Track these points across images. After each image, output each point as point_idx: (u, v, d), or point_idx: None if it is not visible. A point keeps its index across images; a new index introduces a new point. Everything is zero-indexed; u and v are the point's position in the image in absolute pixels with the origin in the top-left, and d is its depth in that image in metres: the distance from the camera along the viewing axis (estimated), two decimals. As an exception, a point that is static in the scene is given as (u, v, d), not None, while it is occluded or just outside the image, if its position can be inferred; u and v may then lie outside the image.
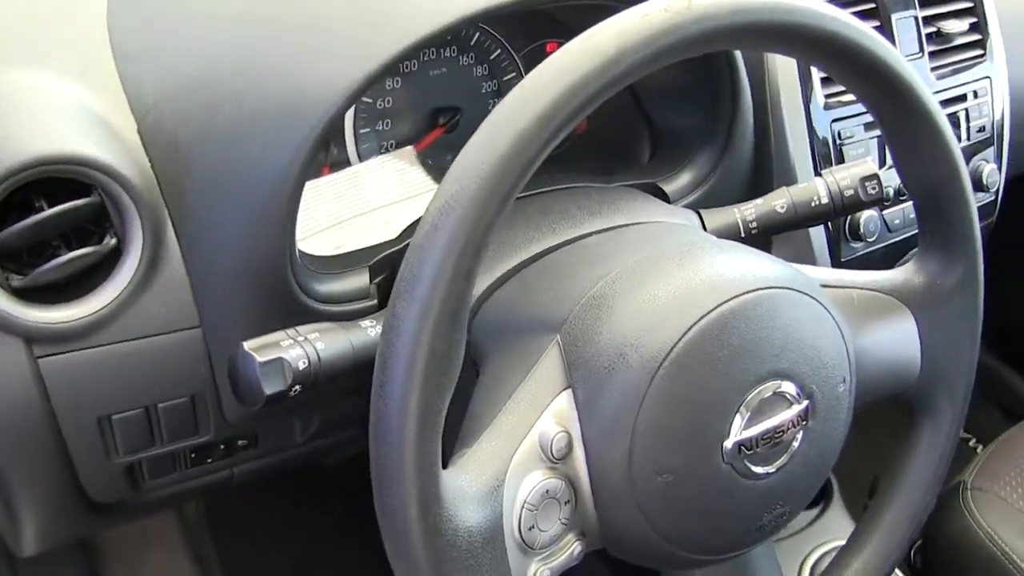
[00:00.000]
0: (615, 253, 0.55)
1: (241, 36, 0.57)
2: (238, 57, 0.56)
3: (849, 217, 0.79)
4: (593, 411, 0.49)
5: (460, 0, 0.55)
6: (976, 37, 0.89)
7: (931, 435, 0.62)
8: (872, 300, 0.60)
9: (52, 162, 0.51)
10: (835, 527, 0.95)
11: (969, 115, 0.87)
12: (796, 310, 0.52)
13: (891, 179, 0.77)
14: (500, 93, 0.73)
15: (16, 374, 0.54)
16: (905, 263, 0.63)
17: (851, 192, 0.66)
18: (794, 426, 0.51)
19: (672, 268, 0.51)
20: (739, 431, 0.49)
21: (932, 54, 0.85)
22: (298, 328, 0.52)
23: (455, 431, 0.51)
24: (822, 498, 1.02)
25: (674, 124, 0.74)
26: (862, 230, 0.78)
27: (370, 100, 0.68)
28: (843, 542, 0.64)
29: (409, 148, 0.71)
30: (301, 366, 0.50)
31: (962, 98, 0.87)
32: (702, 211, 0.68)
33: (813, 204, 0.66)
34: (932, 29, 0.85)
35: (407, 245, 0.44)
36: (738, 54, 0.69)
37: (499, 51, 0.72)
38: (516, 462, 0.48)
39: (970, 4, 0.88)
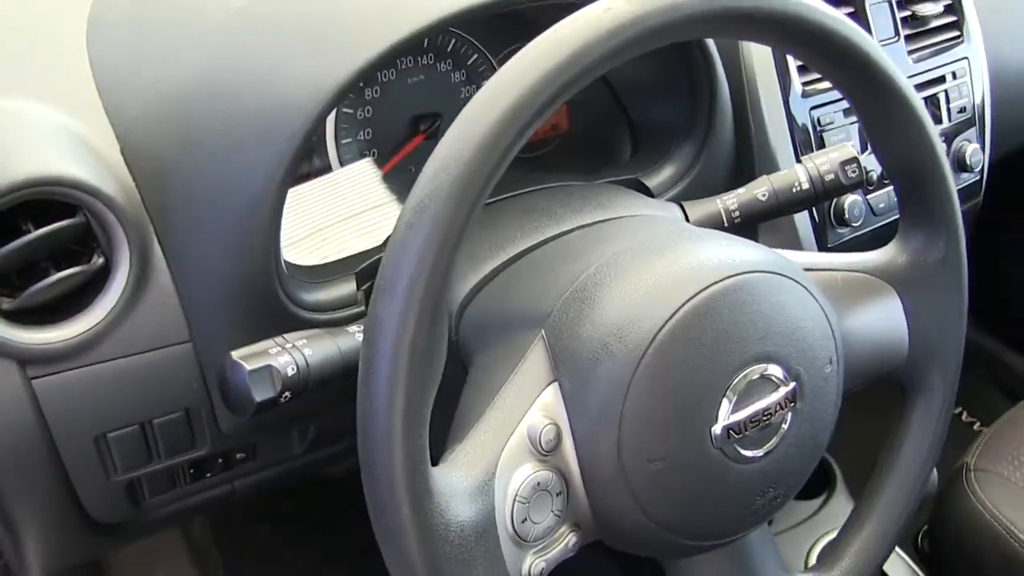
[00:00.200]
0: (596, 247, 0.56)
1: (218, 51, 0.58)
2: (215, 73, 0.57)
3: (834, 203, 0.79)
4: (580, 403, 0.49)
5: (429, 6, 0.56)
6: (952, 19, 0.89)
7: (924, 412, 0.62)
8: (856, 281, 0.60)
9: (36, 184, 0.52)
10: (840, 515, 0.95)
11: (949, 96, 0.87)
12: (779, 293, 0.52)
13: (874, 163, 0.78)
14: (480, 98, 0.74)
15: (11, 396, 0.55)
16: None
17: (832, 177, 0.67)
18: (782, 408, 0.51)
19: (652, 258, 0.52)
20: (727, 416, 0.50)
21: (908, 37, 0.86)
22: (286, 336, 0.53)
23: (446, 430, 0.51)
24: (826, 487, 1.02)
25: (654, 119, 0.75)
26: (847, 215, 0.79)
27: (350, 110, 0.68)
28: None
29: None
30: (290, 372, 0.51)
31: (941, 80, 0.87)
32: (685, 203, 0.68)
33: (794, 190, 0.67)
34: (907, 12, 0.86)
35: None
36: (713, 47, 0.69)
37: (476, 56, 0.73)
38: (506, 456, 0.48)
39: (945, -14, 0.89)
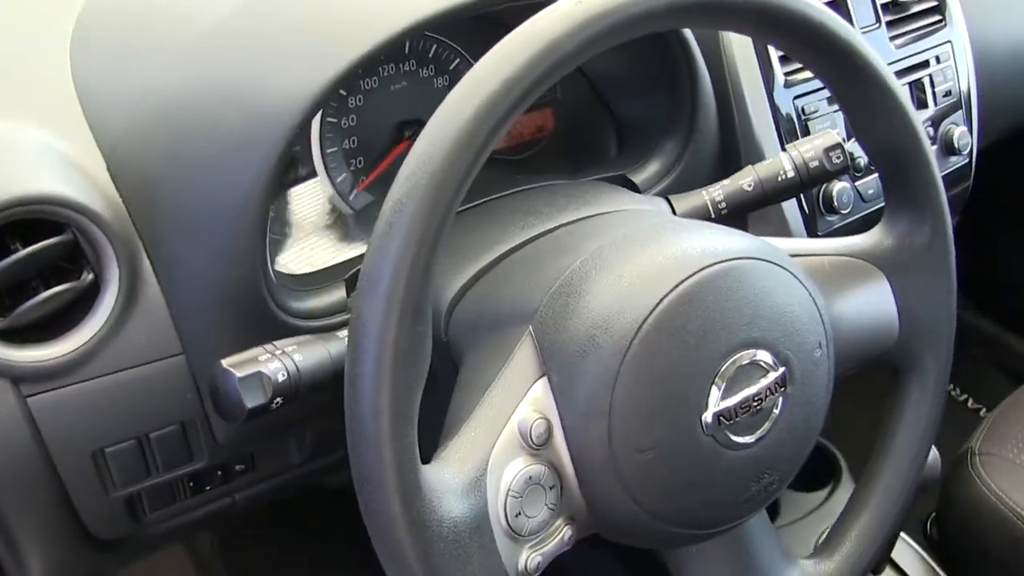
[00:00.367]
0: (582, 242, 0.56)
1: (199, 65, 0.59)
2: (197, 86, 0.58)
3: (822, 191, 0.79)
4: (569, 396, 0.49)
5: (401, 13, 0.56)
6: (934, 3, 0.90)
7: (918, 393, 0.62)
8: (844, 265, 0.60)
9: (23, 203, 0.53)
10: (845, 506, 0.94)
11: (934, 80, 0.87)
12: (764, 279, 0.52)
13: (861, 150, 0.78)
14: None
15: (6, 415, 0.55)
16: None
17: (816, 163, 0.67)
18: (772, 393, 0.51)
19: (636, 249, 0.52)
20: (717, 402, 0.49)
21: (890, 23, 0.86)
22: (276, 342, 0.53)
23: (439, 432, 0.51)
24: (831, 478, 1.02)
25: (637, 115, 0.75)
26: (836, 203, 0.79)
27: (334, 119, 0.69)
28: None
29: None
30: (280, 378, 0.51)
31: (924, 64, 0.87)
32: (671, 197, 0.68)
33: (780, 179, 0.67)
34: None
35: None
36: (692, 40, 0.70)
37: (458, 60, 0.73)
38: (497, 451, 0.48)
39: (925, -29, 0.90)
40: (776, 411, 0.52)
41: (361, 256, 0.64)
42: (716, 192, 0.67)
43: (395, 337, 0.43)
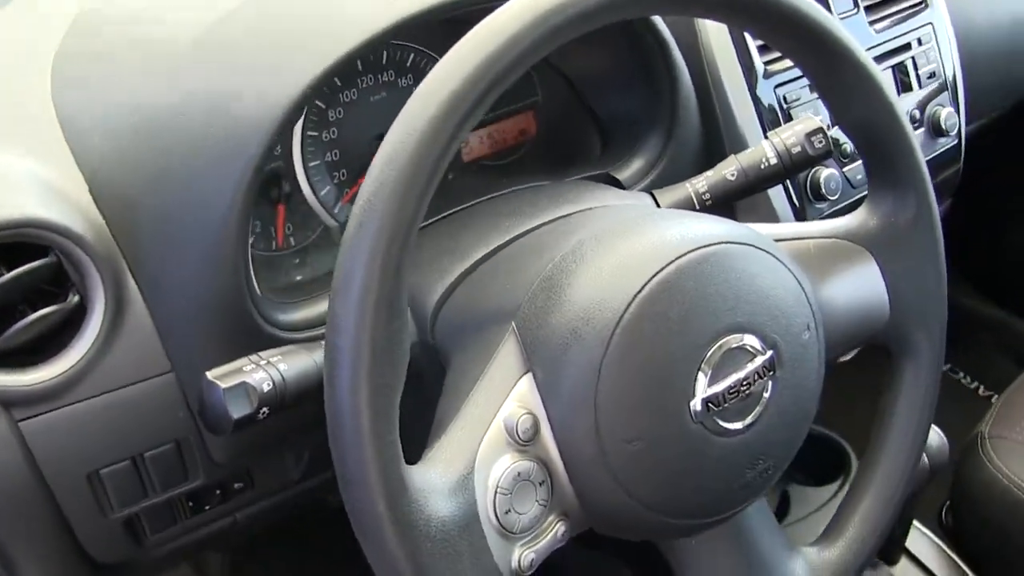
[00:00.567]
0: (563, 238, 0.56)
1: (174, 85, 0.59)
2: (174, 105, 0.58)
3: (809, 177, 0.79)
4: (554, 389, 0.49)
5: (371, 19, 0.57)
6: (912, -15, 0.90)
7: (913, 373, 0.61)
8: (830, 247, 0.60)
9: (4, 227, 0.53)
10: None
11: (916, 63, 0.87)
12: (746, 263, 0.52)
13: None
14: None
15: (-1, 441, 0.56)
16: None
17: (798, 149, 0.67)
18: (761, 377, 0.51)
19: (616, 241, 0.52)
20: (704, 389, 0.49)
21: (868, 8, 0.86)
22: (261, 353, 0.53)
23: (428, 435, 0.51)
24: (841, 472, 1.01)
25: (618, 112, 0.75)
26: (824, 189, 0.79)
27: (315, 133, 0.69)
28: None
29: None
30: (266, 388, 0.51)
31: (906, 47, 0.87)
32: (655, 191, 0.68)
33: (763, 167, 0.67)
34: (865, -16, 0.86)
35: None
36: (667, 32, 0.70)
37: (436, 68, 0.74)
38: (484, 449, 0.48)
39: (901, -46, 0.89)
40: (766, 396, 0.51)
41: None
42: (700, 184, 0.67)
43: (371, 335, 0.43)
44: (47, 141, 0.60)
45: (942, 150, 0.89)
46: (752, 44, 0.77)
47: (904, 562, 0.88)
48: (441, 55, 0.75)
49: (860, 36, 0.83)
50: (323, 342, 0.55)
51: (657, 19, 0.68)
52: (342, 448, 0.43)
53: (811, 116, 0.68)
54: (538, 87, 0.78)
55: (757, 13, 0.51)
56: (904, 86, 0.87)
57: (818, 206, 0.80)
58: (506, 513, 0.48)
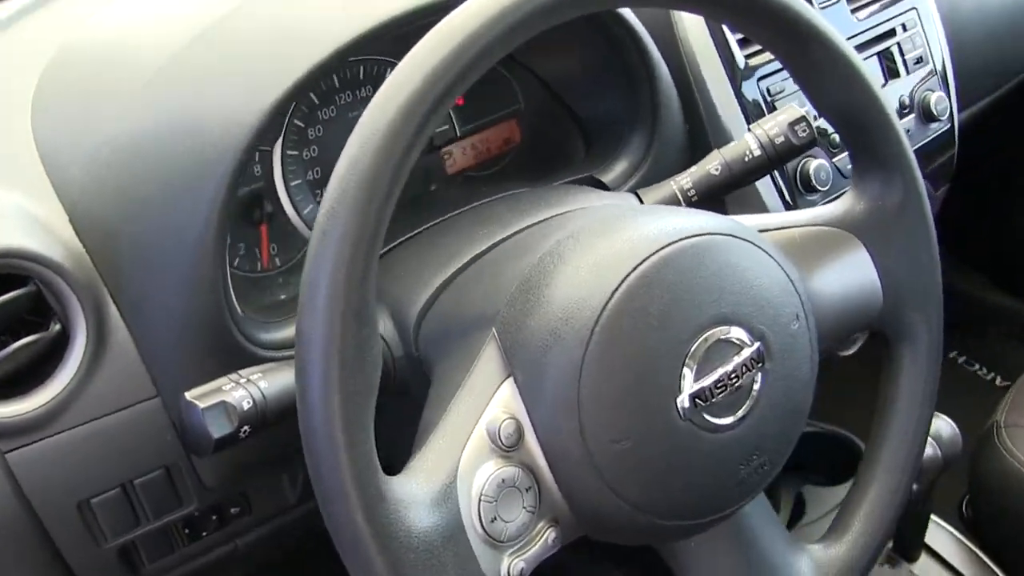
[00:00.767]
0: (543, 240, 0.55)
1: (146, 110, 0.59)
2: (146, 127, 0.59)
3: (799, 169, 0.78)
4: (536, 392, 0.48)
5: (332, 35, 0.57)
6: (894, -29, 0.89)
7: (912, 359, 0.60)
8: (817, 235, 0.59)
9: None
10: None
11: (903, 48, 0.86)
12: (729, 254, 0.51)
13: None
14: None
15: (-15, 475, 0.55)
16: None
17: (782, 139, 0.66)
18: (749, 370, 0.49)
19: (594, 239, 0.51)
20: (691, 384, 0.48)
21: (849, -4, 0.85)
22: (240, 371, 0.52)
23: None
24: (855, 471, 0.99)
25: (599, 113, 0.75)
26: (814, 180, 0.77)
27: (295, 152, 0.69)
28: None
29: None
30: (246, 406, 0.50)
31: (891, 33, 0.86)
32: (640, 191, 0.67)
33: (747, 159, 0.66)
34: (845, -27, 0.85)
35: None
36: (641, 28, 0.69)
37: (414, 81, 0.73)
38: (466, 457, 0.47)
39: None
40: (756, 389, 0.50)
41: None
42: (684, 180, 0.66)
43: (339, 345, 0.42)
44: (29, 176, 0.61)
45: (934, 135, 0.88)
46: (731, 38, 0.77)
47: (924, 558, 0.85)
48: (418, 67, 0.75)
49: (842, 24, 0.82)
50: None
51: (627, 12, 0.68)
52: (316, 459, 0.43)
53: (793, 105, 0.67)
54: (519, 95, 0.78)
55: (726, 2, 0.50)
56: (891, 73, 0.86)
57: (809, 198, 0.78)
58: (492, 521, 0.47)
